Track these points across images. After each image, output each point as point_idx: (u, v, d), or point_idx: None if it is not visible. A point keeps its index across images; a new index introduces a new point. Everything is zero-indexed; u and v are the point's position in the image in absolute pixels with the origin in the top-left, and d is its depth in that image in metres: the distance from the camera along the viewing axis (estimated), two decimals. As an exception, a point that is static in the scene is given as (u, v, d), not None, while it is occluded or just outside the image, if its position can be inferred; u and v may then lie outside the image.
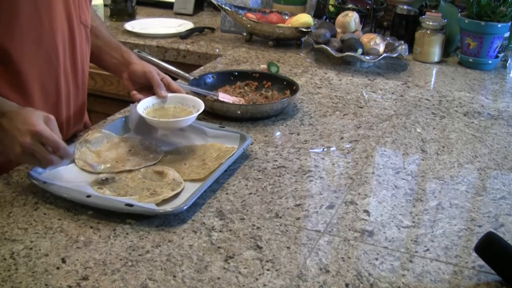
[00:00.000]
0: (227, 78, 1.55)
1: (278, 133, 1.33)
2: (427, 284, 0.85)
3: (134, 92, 1.24)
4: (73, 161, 1.11)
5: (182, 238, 0.92)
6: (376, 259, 0.90)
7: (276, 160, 1.20)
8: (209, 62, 1.87)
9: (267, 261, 0.88)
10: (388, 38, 1.96)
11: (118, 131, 1.24)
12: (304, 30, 1.97)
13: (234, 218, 0.99)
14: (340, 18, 1.97)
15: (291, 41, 2.06)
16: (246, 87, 1.52)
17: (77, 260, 0.86)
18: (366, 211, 1.03)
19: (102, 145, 1.17)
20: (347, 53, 1.79)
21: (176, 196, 1.02)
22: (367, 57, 1.79)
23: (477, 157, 1.26)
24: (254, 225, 0.97)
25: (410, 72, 1.84)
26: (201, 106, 1.20)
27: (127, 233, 0.93)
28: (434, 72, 1.87)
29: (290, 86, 1.49)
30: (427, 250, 0.92)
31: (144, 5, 2.58)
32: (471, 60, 1.87)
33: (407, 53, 1.86)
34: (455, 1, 2.06)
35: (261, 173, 1.14)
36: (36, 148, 0.96)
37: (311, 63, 1.88)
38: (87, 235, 0.92)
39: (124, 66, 1.28)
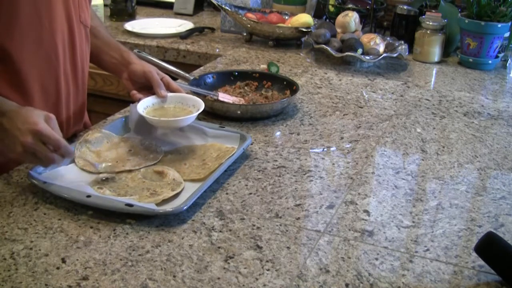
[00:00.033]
0: (227, 78, 1.55)
1: (278, 133, 1.33)
2: (427, 284, 0.85)
3: (134, 92, 1.24)
4: (73, 161, 1.11)
5: (182, 238, 0.92)
6: (376, 259, 0.90)
7: (276, 160, 1.20)
8: (209, 62, 1.87)
9: (267, 261, 0.88)
10: (388, 38, 1.96)
11: (118, 131, 1.24)
12: (304, 30, 1.97)
13: (234, 218, 0.99)
14: (340, 18, 1.97)
15: (291, 41, 2.06)
16: (246, 87, 1.52)
17: (77, 260, 0.86)
18: (366, 211, 1.03)
19: (102, 145, 1.17)
20: (347, 53, 1.79)
21: (176, 196, 1.02)
22: (367, 57, 1.79)
23: (477, 157, 1.26)
24: (254, 225, 0.97)
25: (410, 72, 1.84)
26: (201, 106, 1.20)
27: (127, 233, 0.93)
28: (434, 72, 1.87)
29: (290, 86, 1.49)
30: (427, 250, 0.92)
31: (144, 5, 2.58)
32: (471, 60, 1.87)
33: (407, 53, 1.86)
34: (455, 1, 2.06)
35: (261, 173, 1.14)
36: (38, 147, 0.96)
37: (311, 63, 1.88)
38: (87, 235, 0.92)
39: (124, 66, 1.28)
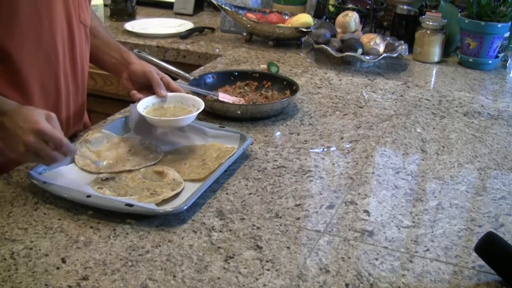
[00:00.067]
0: (227, 78, 1.55)
1: (278, 133, 1.33)
2: (427, 284, 0.85)
3: (134, 91, 1.24)
4: (73, 161, 1.11)
5: (182, 238, 0.92)
6: (376, 259, 0.90)
7: (276, 160, 1.20)
8: (209, 62, 1.87)
9: (267, 261, 0.88)
10: (388, 38, 1.96)
11: (118, 131, 1.24)
12: (304, 30, 1.97)
13: (234, 218, 0.99)
14: (340, 18, 1.97)
15: (291, 41, 2.06)
16: (246, 87, 1.52)
17: (77, 260, 0.86)
18: (366, 211, 1.03)
19: (102, 145, 1.17)
20: (347, 53, 1.79)
21: (176, 196, 1.02)
22: (367, 57, 1.79)
23: (477, 157, 1.26)
24: (254, 225, 0.97)
25: (410, 72, 1.84)
26: (201, 105, 1.20)
27: (127, 233, 0.93)
28: (434, 72, 1.87)
29: (290, 86, 1.49)
30: (427, 250, 0.92)
31: (144, 5, 2.58)
32: (471, 60, 1.87)
33: (407, 53, 1.86)
34: (455, 1, 2.06)
35: (261, 173, 1.14)
36: (40, 146, 0.96)
37: (311, 63, 1.88)
38: (87, 235, 0.92)
39: (124, 66, 1.28)
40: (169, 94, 1.23)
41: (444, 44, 1.93)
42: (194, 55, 1.99)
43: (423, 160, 1.24)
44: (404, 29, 2.03)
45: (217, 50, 1.99)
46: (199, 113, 1.19)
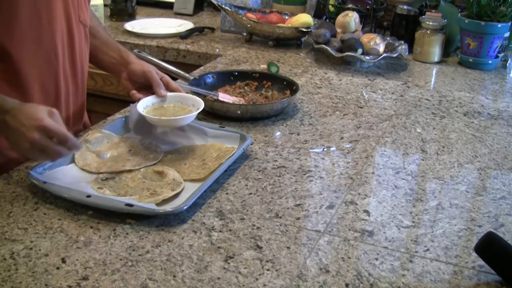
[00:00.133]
0: (227, 78, 1.55)
1: (278, 133, 1.33)
2: (427, 284, 0.85)
3: (134, 91, 1.24)
4: (73, 161, 1.11)
5: (182, 238, 0.92)
6: (376, 259, 0.90)
7: (276, 160, 1.20)
8: (209, 62, 1.87)
9: (267, 261, 0.88)
10: (388, 38, 1.96)
11: (118, 131, 1.24)
12: (304, 30, 1.97)
13: (234, 218, 0.99)
14: (340, 18, 1.97)
15: (291, 41, 2.06)
16: (246, 87, 1.52)
17: (77, 260, 0.86)
18: (366, 211, 1.03)
19: (102, 145, 1.17)
20: (347, 53, 1.79)
21: (176, 196, 1.02)
22: (367, 57, 1.79)
23: (477, 157, 1.26)
24: (254, 225, 0.97)
25: (410, 72, 1.84)
26: (201, 105, 1.20)
27: (127, 233, 0.93)
28: (434, 72, 1.87)
29: (290, 86, 1.49)
30: (427, 250, 0.92)
31: (144, 5, 2.58)
32: (471, 60, 1.87)
33: (407, 53, 1.86)
34: (455, 1, 2.06)
35: (261, 173, 1.14)
36: (45, 143, 0.96)
37: (311, 63, 1.88)
38: (87, 235, 0.92)
39: (123, 66, 1.28)
40: (169, 94, 1.23)
41: (444, 44, 1.93)
42: (194, 55, 2.00)
43: (423, 160, 1.23)
44: (404, 29, 2.03)
45: (217, 50, 1.99)
46: (199, 113, 1.19)
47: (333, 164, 1.20)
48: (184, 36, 2.11)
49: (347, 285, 0.83)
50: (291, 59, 1.90)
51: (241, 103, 1.41)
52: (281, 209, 1.02)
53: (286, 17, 2.10)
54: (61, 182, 1.02)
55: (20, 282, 0.81)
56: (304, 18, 2.00)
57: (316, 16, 2.23)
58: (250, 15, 2.05)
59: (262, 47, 2.02)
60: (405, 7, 2.04)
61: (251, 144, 1.24)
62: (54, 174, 1.05)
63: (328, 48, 1.81)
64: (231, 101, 1.41)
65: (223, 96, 1.42)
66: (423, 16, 1.93)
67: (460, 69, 1.88)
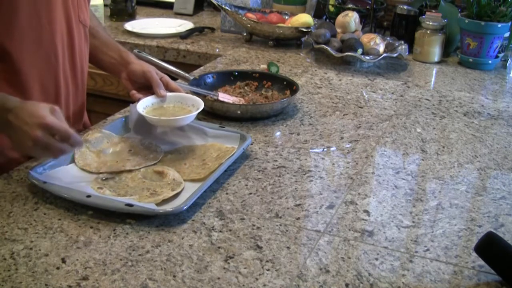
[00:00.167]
0: (227, 78, 1.55)
1: (278, 133, 1.33)
2: (427, 284, 0.85)
3: (134, 91, 1.24)
4: (73, 161, 1.11)
5: (182, 238, 0.92)
6: (376, 259, 0.90)
7: (276, 160, 1.19)
8: (209, 62, 1.87)
9: (267, 261, 0.88)
10: (388, 38, 1.96)
11: (118, 131, 1.24)
12: (304, 30, 1.97)
13: (234, 218, 0.99)
14: (340, 18, 1.97)
15: (291, 41, 2.06)
16: (246, 87, 1.52)
17: (77, 260, 0.86)
18: (366, 211, 1.03)
19: (102, 145, 1.17)
20: (347, 53, 1.79)
21: (176, 196, 1.02)
22: (367, 57, 1.79)
23: (477, 157, 1.26)
24: (254, 225, 0.97)
25: (410, 72, 1.84)
26: (201, 105, 1.20)
27: (127, 233, 0.93)
28: (434, 72, 1.87)
29: (290, 86, 1.49)
30: (427, 250, 0.92)
31: (144, 5, 2.58)
32: (471, 60, 1.87)
33: (407, 53, 1.86)
34: (455, 1, 2.06)
35: (261, 173, 1.14)
36: (48, 140, 0.96)
37: (311, 63, 1.88)
38: (87, 235, 0.92)
39: (123, 66, 1.28)
40: (169, 94, 1.23)
41: (444, 44, 1.93)
42: (194, 55, 2.00)
43: (423, 160, 1.23)
44: (404, 29, 2.03)
45: (217, 50, 1.99)
46: (199, 113, 1.19)
47: (333, 164, 1.20)
48: (184, 36, 2.11)
49: (347, 285, 0.83)
50: (291, 59, 1.90)
51: (241, 103, 1.41)
52: (281, 209, 1.02)
53: (286, 17, 2.10)
54: (61, 182, 1.02)
55: (20, 282, 0.81)
56: (304, 18, 2.00)
57: (316, 16, 2.23)
58: (250, 15, 2.05)
59: (262, 47, 2.02)
60: (405, 7, 2.04)
61: (251, 144, 1.24)
62: (54, 174, 1.05)
63: (328, 48, 1.81)
64: (231, 101, 1.41)
65: (223, 96, 1.42)
66: (423, 16, 1.93)
67: (460, 69, 1.88)
